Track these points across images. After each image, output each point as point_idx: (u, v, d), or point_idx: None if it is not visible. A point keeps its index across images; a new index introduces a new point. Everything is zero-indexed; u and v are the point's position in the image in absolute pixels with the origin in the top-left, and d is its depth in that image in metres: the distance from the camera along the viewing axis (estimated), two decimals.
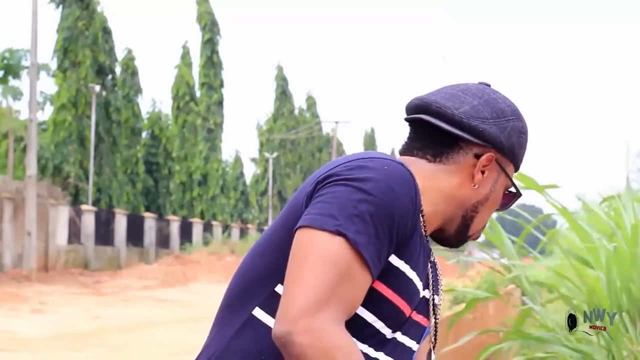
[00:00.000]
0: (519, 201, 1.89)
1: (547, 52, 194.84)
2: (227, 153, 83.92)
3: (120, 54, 43.09)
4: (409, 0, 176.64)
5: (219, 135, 50.25)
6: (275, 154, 58.69)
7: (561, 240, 5.01)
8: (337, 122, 57.34)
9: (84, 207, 35.06)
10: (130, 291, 24.24)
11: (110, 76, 41.04)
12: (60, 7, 39.45)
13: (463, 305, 6.99)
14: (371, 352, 1.64)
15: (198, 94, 49.68)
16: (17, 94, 39.42)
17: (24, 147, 34.11)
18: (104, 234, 35.61)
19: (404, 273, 1.63)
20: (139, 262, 36.12)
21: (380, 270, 1.59)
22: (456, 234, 1.78)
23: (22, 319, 15.88)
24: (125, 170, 41.91)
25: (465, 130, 1.72)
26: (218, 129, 50.12)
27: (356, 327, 1.62)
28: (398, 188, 1.59)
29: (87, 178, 38.69)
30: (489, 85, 1.81)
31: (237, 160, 57.38)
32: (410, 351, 1.70)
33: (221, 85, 50.59)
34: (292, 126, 60.84)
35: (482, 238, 4.64)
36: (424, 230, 1.71)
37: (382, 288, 1.62)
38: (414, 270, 1.65)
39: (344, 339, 1.52)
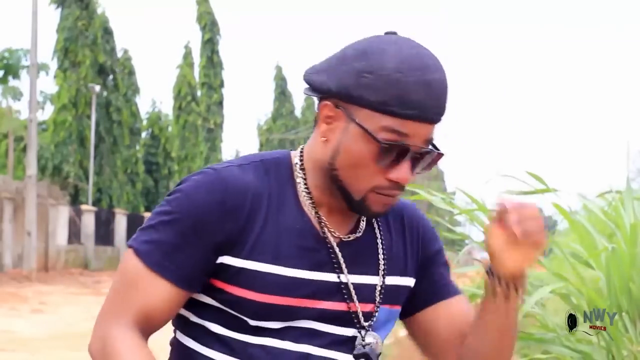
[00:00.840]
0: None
1: (547, 52, 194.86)
2: (227, 153, 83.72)
3: (117, 54, 43.08)
4: (408, 5, 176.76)
5: (219, 135, 50.26)
6: None
7: (561, 240, 5.00)
8: None
9: (84, 207, 35.06)
10: None
11: (110, 76, 41.05)
12: (60, 7, 39.47)
13: None
14: (253, 339, 1.66)
15: (198, 94, 49.66)
16: (17, 94, 39.47)
17: (24, 147, 34.11)
18: (104, 234, 35.62)
19: (249, 270, 1.63)
20: None
21: (187, 273, 1.63)
22: (346, 200, 1.66)
23: (22, 319, 15.88)
24: (125, 170, 41.91)
25: (307, 88, 1.72)
26: (218, 129, 50.13)
27: (228, 322, 1.67)
28: (197, 195, 1.62)
29: (87, 178, 38.69)
30: (395, 34, 1.67)
31: None
32: (324, 335, 1.68)
33: (221, 85, 50.59)
34: (291, 126, 60.82)
35: (482, 237, 4.64)
36: (313, 207, 1.68)
37: (229, 287, 1.64)
38: (268, 262, 1.63)
39: (127, 341, 1.61)
